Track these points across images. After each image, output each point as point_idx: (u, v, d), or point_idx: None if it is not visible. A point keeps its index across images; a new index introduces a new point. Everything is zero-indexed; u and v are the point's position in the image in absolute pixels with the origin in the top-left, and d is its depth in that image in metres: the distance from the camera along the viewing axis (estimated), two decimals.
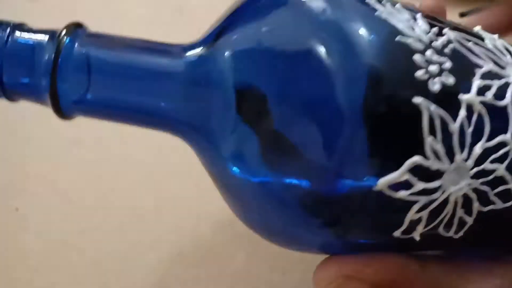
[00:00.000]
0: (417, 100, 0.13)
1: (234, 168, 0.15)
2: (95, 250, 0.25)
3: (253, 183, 0.15)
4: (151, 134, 0.30)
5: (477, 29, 0.17)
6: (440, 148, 0.13)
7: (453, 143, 0.13)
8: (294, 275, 0.24)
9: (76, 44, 0.15)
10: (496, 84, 0.14)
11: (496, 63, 0.15)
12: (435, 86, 0.13)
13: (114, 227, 0.26)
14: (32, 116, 0.31)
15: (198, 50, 0.16)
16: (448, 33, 0.15)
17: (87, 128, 0.30)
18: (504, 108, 0.14)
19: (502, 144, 0.14)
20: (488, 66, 0.14)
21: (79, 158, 0.29)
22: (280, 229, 0.16)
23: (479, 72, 0.14)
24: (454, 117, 0.13)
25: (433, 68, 0.13)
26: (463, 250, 0.17)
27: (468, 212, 0.14)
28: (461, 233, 0.15)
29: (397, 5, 0.15)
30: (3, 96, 0.16)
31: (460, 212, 0.14)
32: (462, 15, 0.36)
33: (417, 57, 0.13)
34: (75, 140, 0.30)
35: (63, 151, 0.29)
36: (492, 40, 0.16)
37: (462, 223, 0.15)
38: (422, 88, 0.13)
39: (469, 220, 0.14)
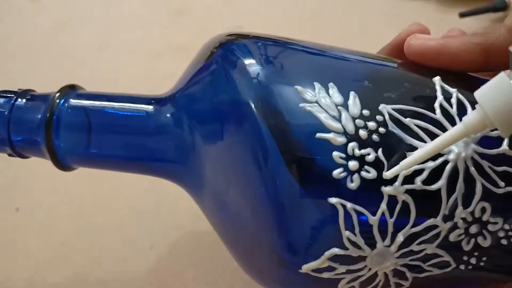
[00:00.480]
0: (332, 200, 0.13)
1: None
2: (95, 250, 0.25)
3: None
4: None
5: (436, 80, 0.16)
6: (358, 239, 0.14)
7: (373, 234, 0.14)
8: None
9: (67, 104, 0.17)
10: (429, 167, 0.14)
11: (437, 138, 0.14)
12: (352, 183, 0.13)
13: (114, 227, 0.26)
14: None
15: (163, 106, 0.17)
16: (384, 111, 0.14)
17: None
18: (436, 192, 0.14)
19: (432, 227, 0.14)
20: (425, 147, 0.14)
21: None
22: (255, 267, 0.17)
23: (412, 155, 0.14)
24: (376, 209, 0.13)
25: (353, 163, 0.13)
26: None
27: (403, 278, 0.15)
28: None
29: (330, 85, 0.14)
30: (15, 155, 0.18)
31: (394, 280, 0.15)
32: (462, 15, 0.36)
33: (335, 155, 0.13)
34: None
35: None
36: (445, 99, 0.15)
37: (399, 285, 0.15)
38: (339, 186, 0.13)
39: (407, 284, 0.15)
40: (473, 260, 0.15)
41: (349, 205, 0.13)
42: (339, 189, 0.13)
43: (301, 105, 0.14)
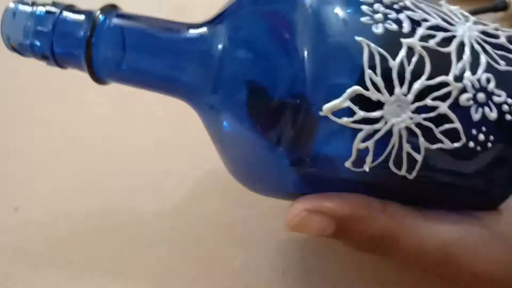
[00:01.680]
0: (358, 38, 0.15)
1: (225, 123, 0.18)
2: (95, 250, 0.25)
3: (239, 133, 0.17)
4: (151, 134, 0.30)
5: (443, 1, 0.18)
6: (379, 80, 0.15)
7: (393, 77, 0.15)
8: (294, 274, 0.24)
9: (108, 21, 0.19)
10: (441, 35, 0.16)
11: (445, 20, 0.17)
12: (378, 29, 0.15)
13: (114, 227, 0.26)
14: (32, 116, 0.31)
15: (203, 29, 0.19)
16: None
17: (87, 128, 0.30)
18: (448, 54, 0.16)
19: (444, 84, 0.15)
20: (435, 21, 0.16)
21: (79, 158, 0.29)
22: (259, 175, 0.18)
23: (425, 24, 0.16)
24: (396, 55, 0.15)
25: (378, 16, 0.16)
26: (424, 197, 0.17)
27: (415, 148, 0.16)
28: (414, 173, 0.16)
29: None
30: (55, 64, 0.19)
31: (407, 147, 0.16)
32: None
33: (364, 7, 0.16)
34: (75, 140, 0.30)
35: (63, 151, 0.29)
36: (449, 7, 0.18)
37: (411, 160, 0.16)
38: (366, 30, 0.15)
39: (419, 158, 0.16)
40: (481, 137, 0.16)
41: (373, 45, 0.15)
42: (366, 31, 0.15)
43: None
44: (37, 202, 0.27)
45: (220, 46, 0.17)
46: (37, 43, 0.19)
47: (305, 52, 0.15)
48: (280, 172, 0.17)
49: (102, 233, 0.26)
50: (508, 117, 0.16)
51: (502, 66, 0.16)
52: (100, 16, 0.18)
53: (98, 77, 0.19)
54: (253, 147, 0.17)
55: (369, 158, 0.16)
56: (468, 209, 0.18)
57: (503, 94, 0.16)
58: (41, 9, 0.19)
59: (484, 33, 0.17)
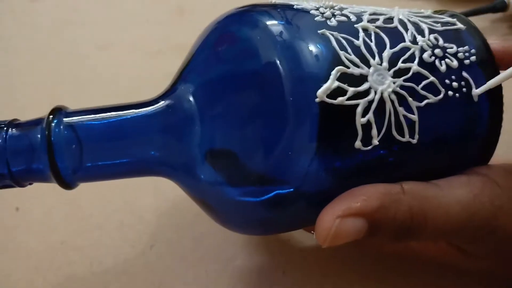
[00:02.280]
0: (321, 31, 0.17)
1: (207, 187, 0.18)
2: (95, 250, 0.25)
3: (230, 200, 0.18)
4: None
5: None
6: (353, 58, 0.17)
7: (363, 53, 0.17)
8: (294, 274, 0.24)
9: (61, 125, 0.17)
10: (382, 17, 0.19)
11: (378, 10, 0.19)
12: (332, 22, 0.18)
13: (114, 228, 0.26)
14: (32, 116, 0.31)
15: (162, 103, 0.18)
16: (335, 3, 0.19)
17: None
18: (395, 28, 0.18)
19: (406, 49, 0.18)
20: (372, 10, 0.19)
21: None
22: (256, 227, 0.19)
23: (365, 13, 0.19)
24: (357, 38, 0.17)
25: (327, 14, 0.18)
26: (430, 164, 0.19)
27: (409, 109, 0.17)
28: (416, 136, 0.17)
29: None
30: (14, 184, 0.18)
31: (401, 110, 0.17)
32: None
33: (312, 11, 0.18)
34: None
35: None
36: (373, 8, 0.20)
37: (410, 122, 0.17)
38: (323, 25, 0.17)
39: (415, 118, 0.17)
40: (455, 84, 0.18)
41: (335, 33, 0.17)
42: (324, 25, 0.17)
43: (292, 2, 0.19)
44: (37, 202, 0.27)
45: (187, 113, 0.18)
46: None
47: (281, 71, 0.16)
48: (273, 221, 0.18)
49: (102, 233, 0.26)
50: (466, 62, 0.19)
51: (439, 27, 0.19)
52: (51, 120, 0.17)
53: (67, 182, 0.18)
54: (240, 205, 0.18)
55: (374, 131, 0.16)
56: (467, 166, 0.19)
57: (453, 46, 0.19)
58: None
59: (411, 12, 0.20)
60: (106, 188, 0.28)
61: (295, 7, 0.18)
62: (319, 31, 0.17)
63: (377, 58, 0.17)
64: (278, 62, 0.16)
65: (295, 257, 0.25)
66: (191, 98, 0.18)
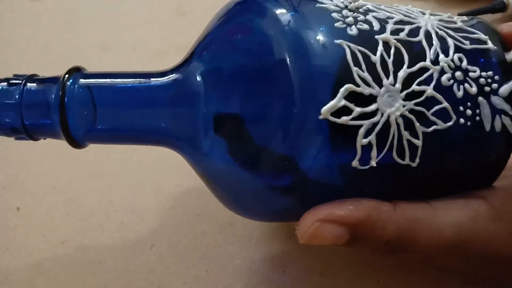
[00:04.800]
0: (337, 41, 0.16)
1: (214, 162, 0.18)
2: (95, 250, 0.25)
3: (226, 170, 0.18)
4: None
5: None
6: (366, 75, 0.16)
7: (378, 71, 0.16)
8: (294, 273, 0.24)
9: (77, 84, 0.18)
10: (407, 27, 0.17)
11: (406, 16, 0.18)
12: (352, 31, 0.16)
13: (114, 227, 0.26)
14: None
15: (175, 75, 0.18)
16: (362, 1, 0.18)
17: None
18: (419, 43, 0.17)
19: (424, 69, 0.17)
20: (398, 17, 0.18)
21: (79, 158, 0.29)
22: (255, 205, 0.18)
23: (391, 21, 0.17)
24: (375, 52, 0.16)
25: (349, 19, 0.17)
26: (429, 183, 0.18)
27: (414, 134, 0.16)
28: (417, 160, 0.17)
29: None
30: (27, 137, 0.19)
31: (406, 135, 0.16)
32: (461, 16, 0.36)
33: (334, 14, 0.17)
34: None
35: (63, 151, 0.29)
36: (403, 6, 0.20)
37: (412, 146, 0.16)
38: (341, 33, 0.16)
39: (418, 144, 0.16)
40: (468, 112, 0.17)
41: (352, 45, 0.16)
42: (343, 33, 0.16)
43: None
44: (38, 202, 0.27)
45: (199, 85, 0.18)
46: (5, 117, 0.18)
47: (290, 72, 0.16)
48: (276, 201, 0.17)
49: (103, 233, 0.26)
50: (486, 88, 0.17)
51: (468, 45, 0.18)
52: (67, 79, 0.18)
53: (76, 141, 0.18)
54: (247, 186, 0.17)
55: (373, 153, 0.16)
56: (467, 189, 0.18)
57: (477, 70, 0.17)
58: (3, 84, 0.18)
59: (442, 21, 0.19)
60: (107, 188, 0.28)
61: (317, 5, 0.17)
62: (336, 41, 0.16)
63: (391, 78, 0.16)
64: (289, 64, 0.16)
65: (295, 257, 0.25)
66: (201, 76, 0.18)
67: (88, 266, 0.25)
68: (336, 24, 0.17)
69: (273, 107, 0.16)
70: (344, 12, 0.17)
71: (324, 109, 0.15)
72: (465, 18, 0.20)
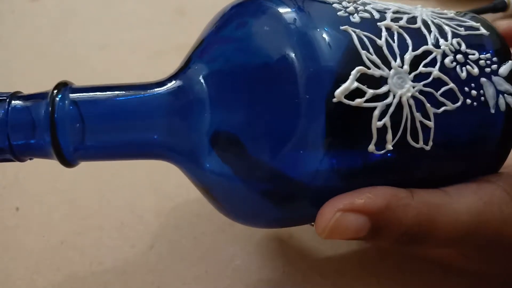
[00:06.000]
0: (343, 27, 0.16)
1: (213, 174, 0.17)
2: (95, 250, 0.25)
3: (228, 182, 0.17)
4: None
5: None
6: (375, 58, 0.16)
7: (385, 54, 0.16)
8: (294, 274, 0.24)
9: (66, 100, 0.17)
10: (405, 16, 0.18)
11: (401, 8, 0.19)
12: (355, 18, 0.17)
13: (114, 227, 0.26)
14: None
15: (171, 84, 0.18)
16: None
17: None
18: (419, 29, 0.18)
19: (428, 52, 0.17)
20: (395, 8, 0.18)
21: None
22: (254, 217, 0.19)
23: (389, 11, 0.18)
24: (380, 37, 0.17)
25: (350, 9, 0.17)
26: (443, 168, 0.18)
27: (425, 115, 0.17)
28: (431, 143, 0.17)
29: None
30: (14, 159, 0.17)
31: (418, 116, 0.17)
32: None
33: (335, 5, 0.17)
34: None
35: None
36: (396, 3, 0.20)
37: (425, 129, 0.17)
38: (345, 21, 0.17)
39: (431, 125, 0.17)
40: (473, 93, 0.17)
41: (357, 30, 0.16)
42: (346, 21, 0.17)
43: None
44: (38, 202, 0.27)
45: (195, 96, 0.17)
46: None
47: (297, 76, 0.15)
48: (275, 213, 0.18)
49: (102, 233, 0.26)
50: (487, 69, 0.18)
51: (463, 31, 0.19)
52: (56, 94, 0.17)
53: (68, 160, 0.17)
54: (245, 197, 0.17)
55: (389, 136, 0.16)
56: (476, 175, 0.19)
57: (476, 52, 0.18)
58: None
59: (434, 12, 0.19)
60: (107, 188, 0.28)
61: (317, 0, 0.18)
62: (341, 27, 0.16)
63: (398, 60, 0.16)
64: (293, 55, 0.16)
65: (295, 257, 0.25)
66: (201, 82, 0.17)
67: (87, 267, 0.25)
68: (339, 13, 0.17)
69: (276, 121, 0.16)
70: (344, 3, 0.18)
71: (338, 91, 0.15)
72: (453, 11, 0.20)
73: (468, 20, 0.19)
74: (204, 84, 0.17)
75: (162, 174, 0.28)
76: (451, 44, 0.18)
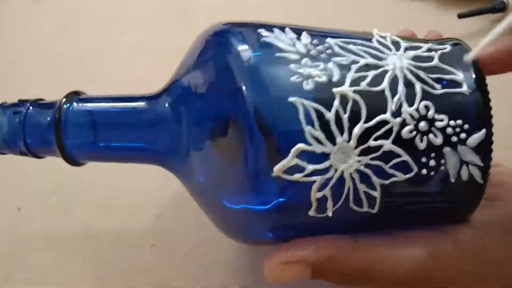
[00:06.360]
0: (291, 98, 0.15)
1: (193, 181, 0.18)
2: (95, 250, 0.25)
3: (206, 192, 0.18)
4: None
5: (375, 31, 0.19)
6: (319, 134, 0.15)
7: (332, 129, 0.15)
8: None
9: (73, 107, 0.19)
10: (371, 74, 0.16)
11: (375, 56, 0.17)
12: (308, 85, 0.16)
13: (115, 227, 0.26)
14: None
15: (157, 100, 0.19)
16: (329, 41, 0.17)
17: None
18: (381, 92, 0.16)
19: (384, 122, 0.16)
20: (365, 60, 0.17)
21: None
22: (237, 228, 0.18)
23: (354, 67, 0.16)
24: (330, 107, 0.16)
25: (307, 71, 0.16)
26: (392, 224, 0.18)
27: (371, 186, 0.16)
28: (377, 207, 0.16)
29: (286, 28, 0.18)
30: (31, 155, 0.20)
31: (362, 187, 0.16)
32: (460, 16, 0.36)
33: (292, 66, 0.16)
34: None
35: None
36: (380, 37, 0.18)
37: (370, 197, 0.16)
38: (297, 88, 0.16)
39: (377, 194, 0.16)
40: (432, 163, 0.16)
41: (306, 102, 0.15)
42: (297, 90, 0.16)
43: (263, 39, 0.17)
44: (39, 202, 0.27)
45: (178, 113, 0.18)
46: (14, 142, 0.20)
47: (242, 123, 0.16)
48: (254, 223, 0.17)
49: (103, 234, 0.26)
50: (453, 138, 0.16)
51: (438, 89, 0.17)
52: (64, 102, 0.19)
53: (72, 160, 0.20)
54: (220, 209, 0.18)
55: (329, 204, 0.16)
56: (439, 222, 0.18)
57: (445, 118, 0.16)
58: (8, 112, 0.20)
59: (416, 58, 0.17)
60: (107, 188, 0.28)
61: (277, 54, 0.16)
62: (290, 99, 0.15)
63: (345, 135, 0.15)
64: (245, 109, 0.15)
65: None
66: (175, 104, 0.19)
67: (88, 266, 0.25)
68: (292, 79, 0.16)
69: (233, 145, 0.16)
70: (304, 61, 0.16)
71: (276, 168, 0.15)
72: (447, 46, 0.18)
73: (453, 71, 0.17)
74: (177, 107, 0.18)
75: (162, 174, 0.28)
76: (416, 109, 0.16)
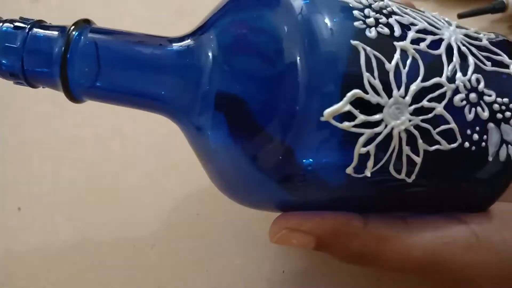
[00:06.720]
0: (354, 42, 0.15)
1: (211, 139, 0.17)
2: (96, 250, 0.25)
3: (226, 153, 0.17)
4: (151, 134, 0.30)
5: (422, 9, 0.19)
6: (377, 83, 0.15)
7: (390, 80, 0.15)
8: (294, 274, 0.24)
9: (82, 37, 0.17)
10: (430, 38, 0.17)
11: (431, 24, 0.17)
12: (371, 33, 0.16)
13: (115, 227, 0.26)
14: (33, 117, 0.31)
15: (185, 42, 0.18)
16: (388, 2, 0.17)
17: (87, 128, 0.31)
18: (438, 56, 0.16)
19: (438, 85, 0.16)
20: (422, 25, 0.17)
21: (79, 158, 0.29)
22: (245, 188, 0.18)
23: (414, 28, 0.17)
24: (391, 59, 0.15)
25: (370, 20, 0.16)
26: (419, 204, 0.18)
27: (415, 150, 0.16)
28: (413, 176, 0.16)
29: None
30: (25, 83, 0.18)
31: (406, 150, 0.16)
32: (460, 16, 0.36)
33: (355, 12, 0.16)
34: (75, 139, 0.30)
35: (64, 151, 0.29)
36: (432, 13, 0.19)
37: (411, 162, 0.16)
38: (360, 34, 0.15)
39: (418, 160, 0.16)
40: (475, 137, 0.16)
41: (368, 49, 0.15)
42: (361, 35, 0.15)
43: None
44: (39, 202, 0.27)
45: (207, 59, 0.17)
46: (5, 61, 0.17)
47: (298, 61, 0.15)
48: (268, 189, 0.17)
49: (103, 233, 0.26)
50: (499, 115, 0.17)
51: (488, 66, 0.17)
52: (74, 31, 0.17)
53: (74, 96, 0.18)
54: (240, 167, 0.17)
55: (370, 163, 0.15)
56: (458, 210, 0.18)
57: (493, 94, 0.17)
58: (8, 25, 0.18)
59: (467, 36, 0.18)
60: (106, 187, 0.28)
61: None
62: (352, 42, 0.15)
63: (402, 89, 0.15)
64: (298, 58, 0.15)
65: (295, 257, 0.25)
66: (209, 52, 0.17)
67: (88, 267, 0.25)
68: (356, 23, 0.16)
69: (278, 97, 0.15)
70: (367, 11, 0.16)
71: (327, 111, 0.15)
72: (492, 35, 0.19)
73: (501, 54, 0.18)
74: (211, 55, 0.17)
75: (163, 173, 0.28)
76: (469, 80, 0.16)
